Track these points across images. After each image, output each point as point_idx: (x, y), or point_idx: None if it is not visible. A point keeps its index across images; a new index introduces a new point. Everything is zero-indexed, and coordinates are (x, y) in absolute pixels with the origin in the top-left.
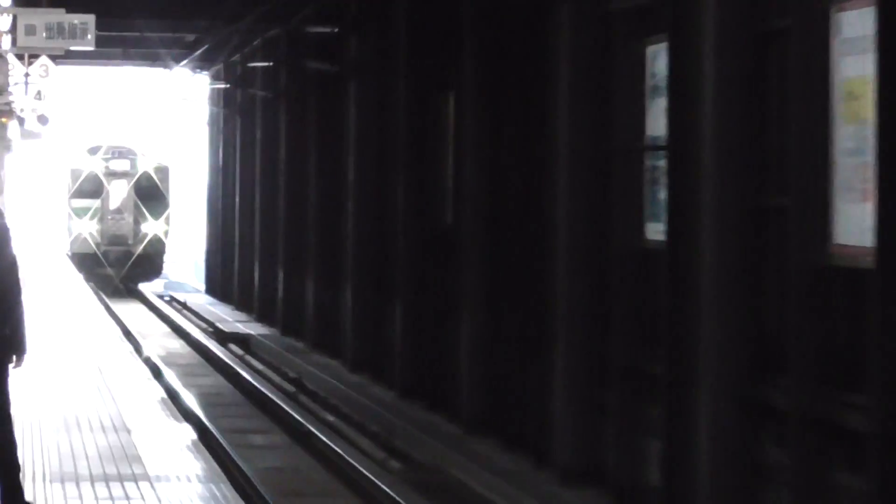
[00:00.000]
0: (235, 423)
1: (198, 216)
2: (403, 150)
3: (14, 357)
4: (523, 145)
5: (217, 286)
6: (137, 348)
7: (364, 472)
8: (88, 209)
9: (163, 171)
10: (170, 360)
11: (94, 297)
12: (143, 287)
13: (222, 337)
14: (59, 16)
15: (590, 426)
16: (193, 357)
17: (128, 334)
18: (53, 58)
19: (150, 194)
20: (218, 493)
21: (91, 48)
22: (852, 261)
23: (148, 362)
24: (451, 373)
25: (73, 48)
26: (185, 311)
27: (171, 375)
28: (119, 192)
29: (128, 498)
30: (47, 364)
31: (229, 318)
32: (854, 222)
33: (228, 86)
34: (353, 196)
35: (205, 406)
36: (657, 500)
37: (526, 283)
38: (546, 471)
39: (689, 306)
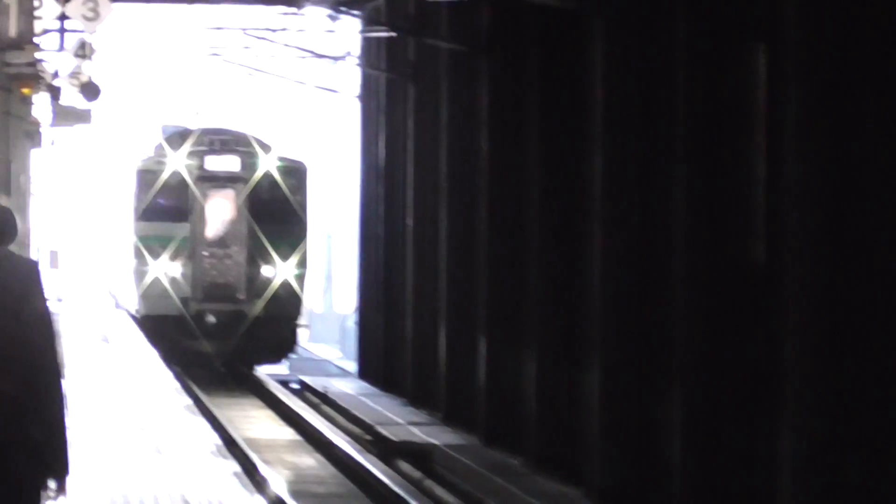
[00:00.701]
0: None
1: (346, 248)
2: (681, 136)
3: (51, 479)
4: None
5: (377, 366)
6: (248, 468)
7: None
8: (168, 239)
9: (296, 175)
10: (301, 488)
11: (178, 388)
12: (263, 370)
13: (389, 450)
14: None
15: None
16: (340, 483)
17: (231, 445)
18: None
19: (276, 214)
20: None
21: None
22: None
23: (265, 492)
24: None
25: None
26: (324, 407)
27: None
28: (222, 211)
29: None
30: (102, 494)
31: (398, 418)
32: None
33: (395, 34)
34: (602, 213)
35: None
36: None
37: None
38: None
39: None
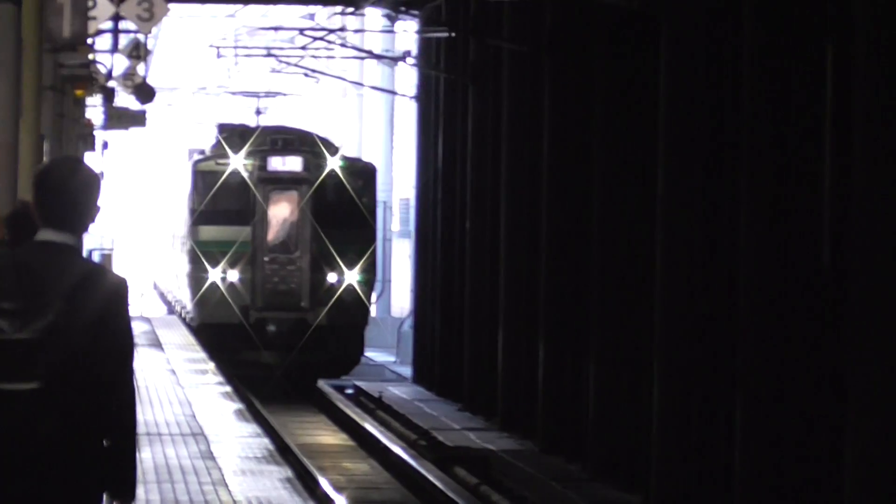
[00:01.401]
0: None
1: (402, 251)
2: (746, 137)
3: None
4: None
5: (432, 371)
6: (301, 474)
7: None
8: (227, 244)
9: (363, 176)
10: (357, 493)
11: (230, 392)
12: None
13: (445, 456)
14: None
15: None
16: (395, 489)
17: (285, 452)
18: None
19: (342, 217)
20: None
21: None
22: None
23: (320, 498)
24: None
25: None
26: (379, 412)
27: None
28: (285, 214)
29: None
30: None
31: (455, 423)
32: None
33: (453, 34)
34: (663, 213)
35: None
36: None
37: None
38: None
39: None
